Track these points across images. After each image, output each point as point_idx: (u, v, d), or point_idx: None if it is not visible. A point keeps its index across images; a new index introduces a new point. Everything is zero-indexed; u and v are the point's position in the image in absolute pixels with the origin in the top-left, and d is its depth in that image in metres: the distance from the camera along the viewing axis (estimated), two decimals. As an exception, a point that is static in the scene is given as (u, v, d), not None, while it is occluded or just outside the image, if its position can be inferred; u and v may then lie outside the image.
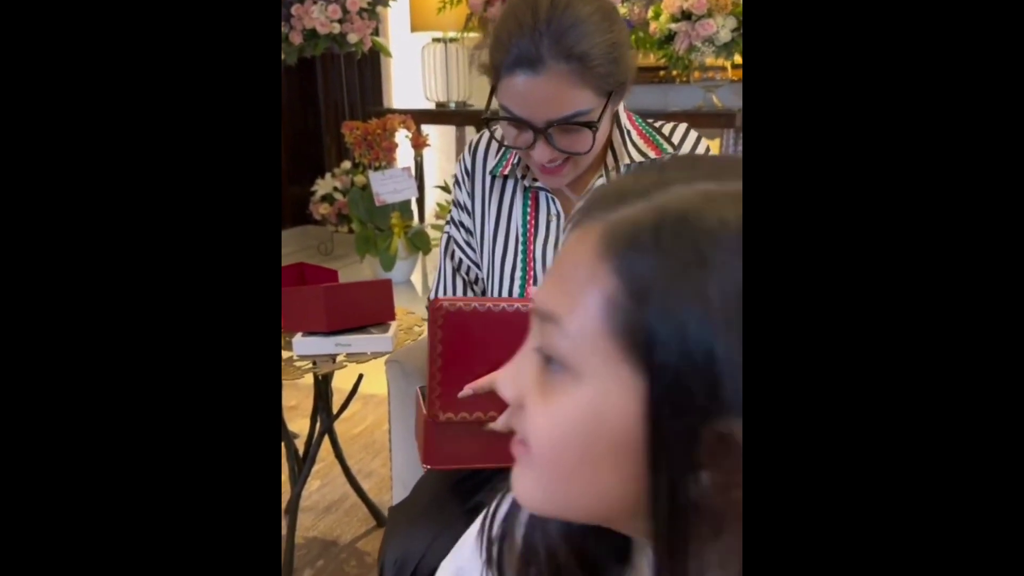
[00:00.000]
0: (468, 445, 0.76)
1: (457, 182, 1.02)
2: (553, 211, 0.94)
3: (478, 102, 3.80)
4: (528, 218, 0.95)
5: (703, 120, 3.11)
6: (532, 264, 0.94)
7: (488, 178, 0.98)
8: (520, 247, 0.95)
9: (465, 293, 1.02)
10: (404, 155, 3.41)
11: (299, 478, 1.42)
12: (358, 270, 3.58)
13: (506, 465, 0.84)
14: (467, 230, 1.01)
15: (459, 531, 0.85)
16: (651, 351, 0.33)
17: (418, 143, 3.32)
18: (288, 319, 1.31)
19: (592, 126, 0.82)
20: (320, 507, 1.64)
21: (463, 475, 0.91)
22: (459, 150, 3.67)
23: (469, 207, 1.00)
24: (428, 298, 1.04)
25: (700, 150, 0.94)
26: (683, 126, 0.96)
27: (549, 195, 0.94)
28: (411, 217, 3.40)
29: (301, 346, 1.26)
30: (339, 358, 1.26)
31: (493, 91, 0.86)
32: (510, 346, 0.74)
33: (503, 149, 0.97)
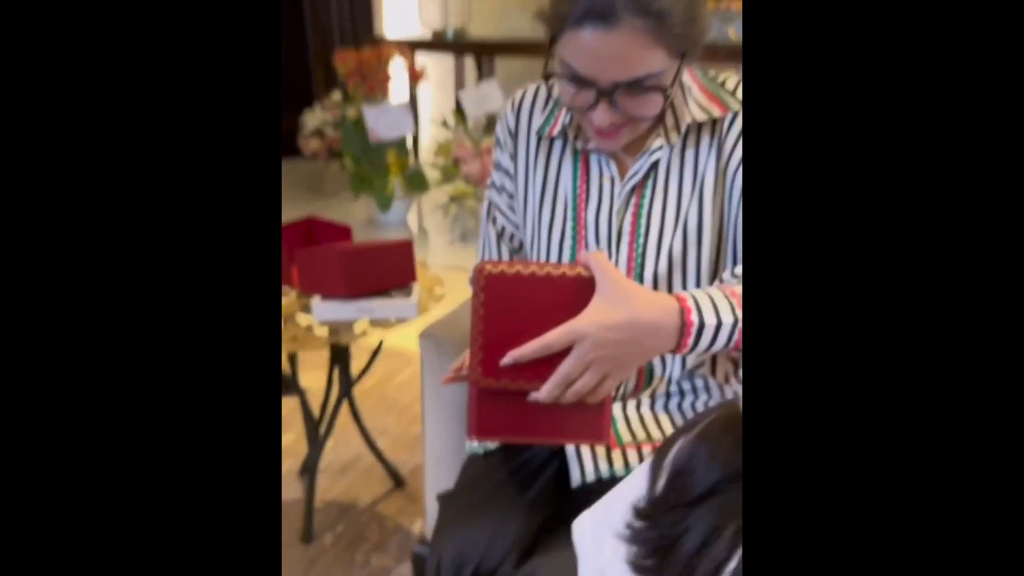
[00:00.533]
0: (515, 417, 0.71)
1: (499, 143, 0.93)
2: (607, 174, 0.85)
3: (477, 30, 3.60)
4: (579, 182, 0.87)
5: (719, 56, 2.97)
6: (583, 232, 0.86)
7: (534, 139, 0.89)
8: (571, 213, 0.87)
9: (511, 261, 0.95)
10: (398, 90, 3.26)
11: (317, 440, 1.37)
12: (350, 209, 3.46)
13: (554, 442, 0.78)
14: (509, 194, 0.92)
15: (521, 526, 0.81)
16: None
17: (415, 75, 3.16)
18: (304, 282, 1.23)
19: (665, 91, 0.74)
20: (335, 467, 1.60)
21: (517, 462, 0.86)
22: (458, 83, 3.50)
23: (511, 170, 0.91)
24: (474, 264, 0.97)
25: None
26: None
27: (603, 157, 0.85)
28: (407, 155, 3.27)
29: (321, 311, 1.18)
30: (360, 325, 1.19)
31: (552, 43, 0.77)
32: (555, 313, 0.68)
33: (551, 105, 0.88)
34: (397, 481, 1.54)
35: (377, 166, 3.20)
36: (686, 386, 0.88)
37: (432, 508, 1.03)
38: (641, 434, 0.84)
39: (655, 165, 0.83)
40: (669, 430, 0.84)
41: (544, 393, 0.68)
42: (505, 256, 0.94)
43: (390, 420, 1.78)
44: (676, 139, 0.82)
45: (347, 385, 1.37)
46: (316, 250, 1.22)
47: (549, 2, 0.76)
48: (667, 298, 0.71)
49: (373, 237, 3.27)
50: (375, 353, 1.39)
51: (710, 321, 0.71)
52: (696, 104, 0.83)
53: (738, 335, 0.73)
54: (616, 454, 0.82)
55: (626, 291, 0.68)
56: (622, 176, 0.84)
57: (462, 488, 0.86)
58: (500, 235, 0.94)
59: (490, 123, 3.06)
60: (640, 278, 0.83)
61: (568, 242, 0.87)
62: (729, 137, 0.82)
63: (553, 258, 0.88)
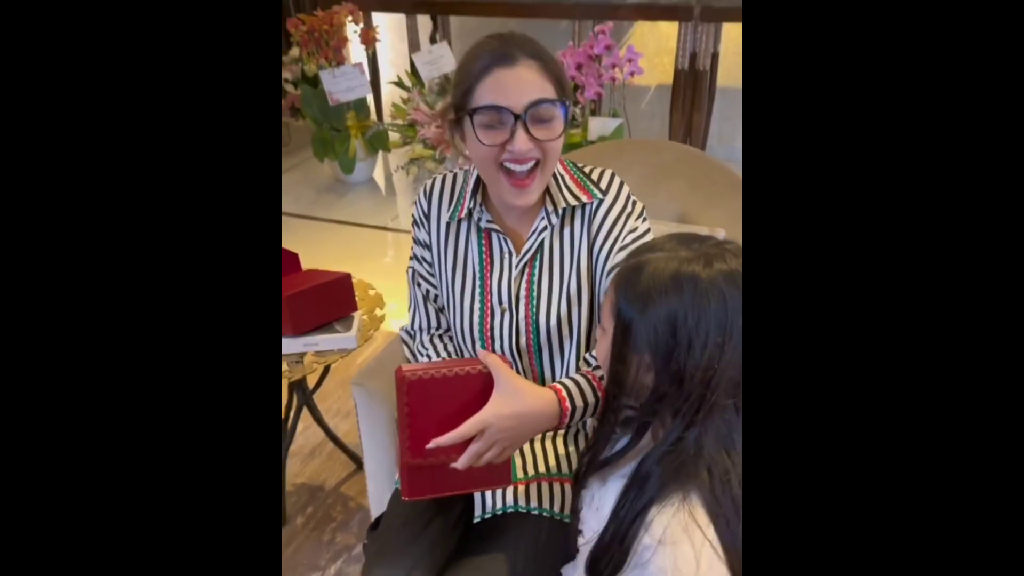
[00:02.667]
0: (437, 479, 0.92)
1: (416, 223, 1.10)
2: (506, 249, 1.04)
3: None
4: (484, 256, 1.06)
5: (659, 12, 3.01)
6: (489, 297, 1.05)
7: (444, 222, 1.07)
8: (478, 282, 1.06)
9: (437, 319, 1.14)
10: (355, 50, 3.29)
11: (284, 441, 1.59)
12: (317, 168, 3.56)
13: (469, 491, 0.99)
14: (429, 264, 1.11)
15: (435, 556, 1.02)
16: (618, 322, 0.75)
17: (368, 39, 3.19)
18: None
19: (565, 103, 0.93)
20: (305, 452, 1.83)
21: (431, 501, 1.07)
22: (411, 42, 3.53)
23: (429, 245, 1.09)
24: (407, 332, 1.16)
25: (623, 193, 1.03)
26: (609, 172, 1.05)
27: (501, 235, 1.04)
28: (368, 116, 3.34)
29: (272, 348, 1.37)
30: (307, 358, 1.38)
31: (458, 117, 0.96)
32: (463, 403, 0.89)
33: (456, 196, 1.05)
34: (358, 464, 1.78)
35: (338, 128, 3.29)
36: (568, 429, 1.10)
37: (378, 511, 1.26)
38: (532, 470, 1.05)
39: (542, 243, 1.02)
40: (554, 464, 1.06)
41: (461, 464, 0.88)
42: (433, 314, 1.13)
43: (351, 403, 2.00)
44: (555, 220, 1.01)
45: (304, 398, 1.57)
46: (264, 292, 1.39)
47: (455, 86, 0.95)
48: (547, 392, 0.91)
49: (341, 196, 3.39)
50: (323, 375, 1.59)
51: (579, 404, 0.92)
52: (569, 192, 1.01)
53: (601, 407, 0.93)
54: (510, 491, 1.03)
55: (517, 388, 0.88)
56: (517, 250, 1.03)
57: (386, 523, 1.07)
58: (426, 297, 1.13)
59: (443, 86, 3.12)
60: (536, 332, 1.03)
61: (477, 305, 1.06)
62: (595, 219, 1.01)
63: (466, 318, 1.07)
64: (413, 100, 3.13)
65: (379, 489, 1.26)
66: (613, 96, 2.86)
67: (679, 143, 1.60)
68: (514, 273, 1.04)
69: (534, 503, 1.01)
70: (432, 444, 0.87)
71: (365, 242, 3.01)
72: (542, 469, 1.05)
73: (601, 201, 1.01)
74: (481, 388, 0.87)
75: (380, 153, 3.45)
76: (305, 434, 1.86)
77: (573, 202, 1.01)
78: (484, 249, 1.06)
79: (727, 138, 3.42)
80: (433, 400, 0.87)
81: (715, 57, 3.09)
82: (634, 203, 1.03)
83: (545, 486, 1.03)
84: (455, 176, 1.07)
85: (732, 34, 3.25)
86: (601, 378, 0.92)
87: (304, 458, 1.81)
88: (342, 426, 1.89)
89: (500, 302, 1.05)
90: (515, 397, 0.88)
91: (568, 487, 1.03)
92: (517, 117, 0.91)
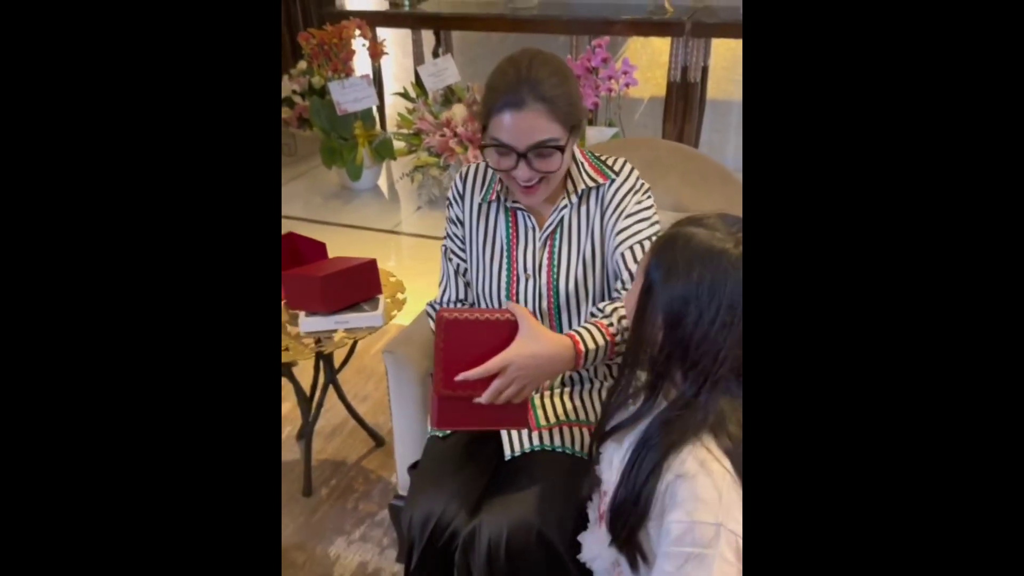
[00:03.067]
0: (464, 413, 1.04)
1: (450, 202, 1.26)
2: (530, 225, 1.20)
3: (433, 3, 3.76)
4: (511, 232, 1.21)
5: (652, 28, 3.19)
6: (516, 266, 1.21)
7: (477, 202, 1.22)
8: (505, 253, 1.21)
9: (465, 291, 1.28)
10: (361, 62, 3.44)
11: (309, 414, 1.72)
12: (324, 175, 3.71)
13: (491, 428, 1.13)
14: (460, 240, 1.26)
15: (470, 490, 1.16)
16: (645, 279, 0.84)
17: (375, 52, 3.35)
18: (291, 300, 1.54)
19: (561, 149, 1.08)
20: (327, 431, 1.96)
21: (464, 442, 1.20)
22: (416, 55, 3.69)
23: (462, 221, 1.25)
24: (432, 306, 1.30)
25: (633, 174, 1.19)
26: (622, 159, 1.21)
27: (526, 213, 1.19)
28: (374, 125, 3.49)
29: (306, 325, 1.51)
30: (337, 335, 1.52)
31: (484, 129, 1.11)
32: (490, 345, 1.05)
33: (487, 181, 1.21)
34: (377, 441, 1.91)
35: (346, 137, 3.43)
36: (585, 374, 1.24)
37: (403, 474, 1.39)
38: (553, 418, 1.20)
39: (562, 220, 1.18)
40: (572, 412, 1.20)
41: (484, 398, 1.01)
42: (462, 287, 1.28)
43: (369, 386, 2.13)
44: (575, 200, 1.17)
45: (331, 375, 1.71)
46: (300, 275, 1.53)
47: (480, 104, 1.12)
48: (564, 338, 1.04)
49: (347, 202, 3.54)
50: (351, 351, 1.73)
51: (592, 347, 1.05)
52: (586, 175, 1.18)
53: (610, 350, 1.07)
54: (535, 435, 1.17)
55: (538, 333, 1.02)
56: (540, 226, 1.19)
57: (425, 463, 1.21)
58: (456, 271, 1.28)
59: (447, 97, 3.28)
60: (556, 295, 1.18)
61: (504, 273, 1.21)
62: (607, 196, 1.17)
63: (494, 286, 1.22)
64: (418, 110, 3.29)
65: (407, 450, 1.39)
66: (609, 107, 3.03)
67: (671, 141, 1.76)
68: (537, 245, 1.19)
69: (557, 442, 1.15)
70: (461, 377, 1.00)
71: (371, 246, 3.15)
72: (562, 416, 1.19)
73: (614, 181, 1.17)
74: (508, 334, 1.01)
75: (385, 161, 3.60)
76: (327, 415, 1.99)
77: (591, 184, 1.17)
78: (511, 225, 1.21)
79: (716, 147, 3.59)
80: (465, 339, 1.00)
81: (705, 70, 3.26)
82: (642, 184, 1.18)
83: (567, 430, 1.17)
84: (487, 165, 1.23)
85: (720, 49, 3.44)
86: (610, 325, 1.06)
87: (327, 436, 1.94)
88: (361, 408, 2.02)
89: (525, 270, 1.20)
90: (536, 340, 1.00)
91: (587, 432, 1.17)
92: (520, 155, 1.07)
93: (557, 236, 1.19)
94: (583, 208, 1.19)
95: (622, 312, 1.07)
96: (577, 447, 1.16)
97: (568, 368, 1.05)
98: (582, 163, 1.20)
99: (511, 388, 1.01)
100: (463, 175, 1.26)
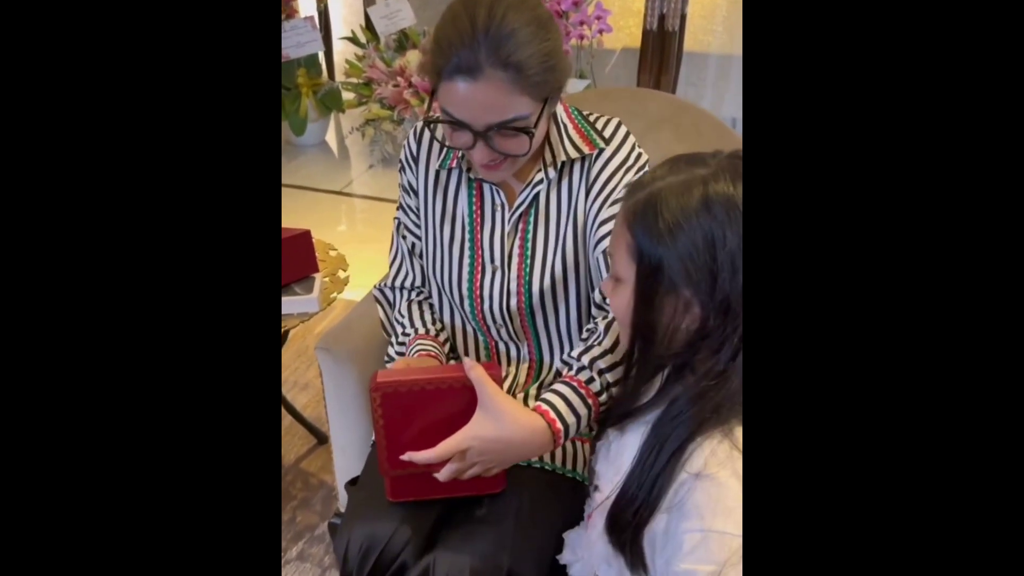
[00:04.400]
0: (422, 485, 0.85)
1: (402, 166, 1.00)
2: (498, 202, 0.95)
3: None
4: (474, 208, 0.95)
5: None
6: (480, 252, 0.96)
7: (434, 168, 0.96)
8: (468, 235, 0.96)
9: (423, 276, 1.04)
10: (305, 2, 3.10)
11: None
12: (267, 129, 3.37)
13: (459, 495, 0.90)
14: (415, 212, 1.00)
15: (422, 520, 0.92)
16: (641, 264, 0.67)
17: (320, -9, 3.00)
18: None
19: (528, 131, 0.82)
20: (260, 426, 1.70)
21: None
22: (366, -5, 3.34)
23: (416, 190, 0.99)
24: (381, 290, 1.05)
25: (628, 143, 0.94)
26: (615, 120, 0.96)
27: (494, 187, 0.94)
28: (319, 74, 3.16)
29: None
30: (266, 322, 1.25)
31: (433, 93, 0.84)
32: (443, 418, 0.78)
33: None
34: (319, 438, 1.66)
35: (289, 87, 3.10)
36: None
37: (343, 490, 1.15)
38: None
39: (536, 197, 0.92)
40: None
41: (442, 478, 0.80)
42: (418, 271, 1.03)
43: (311, 373, 1.88)
44: (553, 174, 0.91)
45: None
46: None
47: (428, 57, 0.83)
48: (534, 418, 0.80)
49: (291, 160, 3.21)
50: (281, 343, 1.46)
51: (571, 421, 0.82)
52: (570, 142, 0.92)
53: (594, 416, 0.84)
54: None
55: (501, 410, 0.78)
56: (510, 203, 0.93)
57: (367, 478, 0.97)
58: (411, 250, 1.02)
59: (401, 42, 2.97)
60: (528, 293, 0.93)
61: (467, 261, 0.96)
62: (593, 169, 0.91)
63: (455, 274, 0.97)
64: (369, 57, 2.97)
65: (348, 463, 1.15)
66: (581, 56, 2.76)
67: (664, 92, 1.51)
68: (507, 228, 0.93)
69: (548, 460, 0.93)
70: (407, 457, 0.80)
71: (317, 209, 2.86)
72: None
73: (602, 151, 0.91)
74: (463, 402, 0.78)
75: (333, 114, 3.28)
76: (260, 407, 1.74)
77: (574, 154, 0.91)
78: (475, 201, 0.95)
79: (692, 102, 3.36)
80: (409, 410, 0.79)
81: (683, 19, 3.01)
82: (638, 156, 0.93)
83: (567, 444, 0.94)
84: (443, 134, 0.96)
85: (699, -4, 3.18)
86: (590, 381, 0.83)
87: (259, 433, 1.69)
88: (300, 398, 1.77)
89: (492, 259, 0.95)
90: (499, 420, 0.78)
91: (573, 441, 0.94)
92: (477, 133, 0.81)
93: (531, 218, 0.94)
94: (563, 184, 0.92)
95: (598, 352, 0.83)
96: (559, 461, 0.93)
97: (544, 452, 0.82)
98: (565, 125, 0.93)
99: (475, 469, 0.80)
100: (416, 133, 0.98)
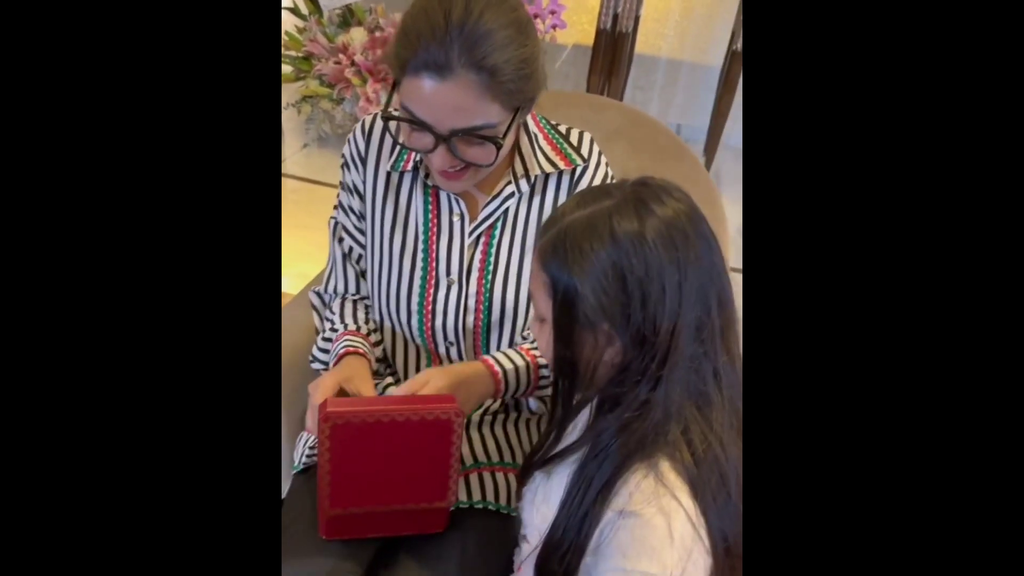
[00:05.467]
0: (362, 523, 0.79)
1: (346, 163, 0.91)
2: (457, 211, 0.88)
3: None
4: (430, 216, 0.88)
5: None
6: (434, 264, 0.89)
7: (384, 169, 0.89)
8: (422, 244, 0.89)
9: (357, 283, 0.96)
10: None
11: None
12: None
13: (397, 534, 0.83)
14: (357, 215, 0.92)
15: (364, 553, 0.85)
16: (556, 300, 0.67)
17: (261, -46, 2.82)
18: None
19: (496, 141, 0.76)
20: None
21: None
22: (311, -37, 3.16)
23: (361, 191, 0.90)
24: (319, 294, 0.97)
25: (603, 164, 0.90)
26: (587, 135, 0.92)
27: (453, 196, 0.87)
28: (255, 42, 2.98)
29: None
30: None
31: (395, 86, 0.78)
32: (398, 453, 0.72)
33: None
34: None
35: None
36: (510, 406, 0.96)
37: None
38: (470, 457, 0.90)
39: (506, 212, 0.86)
40: (495, 451, 0.92)
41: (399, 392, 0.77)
42: (352, 279, 0.94)
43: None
44: (526, 187, 0.85)
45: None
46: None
47: (392, 47, 0.76)
48: (475, 363, 0.84)
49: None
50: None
51: (508, 366, 0.83)
52: (543, 156, 0.86)
53: (534, 377, 0.84)
54: None
55: (447, 367, 0.81)
56: (472, 215, 0.87)
57: (296, 509, 0.89)
58: (347, 255, 0.94)
59: (345, 18, 2.83)
60: (488, 311, 0.87)
61: (419, 273, 0.89)
62: (574, 191, 0.86)
63: (404, 285, 0.89)
64: (310, 30, 2.82)
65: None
66: (531, 49, 2.70)
67: (623, 103, 1.47)
68: (467, 241, 0.87)
69: (477, 496, 0.86)
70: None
71: (247, 185, 2.71)
72: (483, 456, 0.90)
73: (583, 170, 0.87)
74: (426, 439, 0.72)
75: (268, 87, 3.11)
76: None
77: (548, 169, 0.86)
78: (431, 208, 0.88)
79: (640, 105, 3.35)
80: (363, 447, 0.71)
81: (636, 20, 2.98)
82: (612, 179, 0.89)
83: (488, 477, 0.88)
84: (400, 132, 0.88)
85: (653, -1, 3.17)
86: (533, 348, 0.81)
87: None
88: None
89: (448, 272, 0.88)
90: (447, 369, 0.79)
91: (514, 477, 0.89)
92: (440, 137, 0.75)
93: (496, 232, 0.88)
94: (536, 200, 0.88)
95: None
96: (503, 499, 0.88)
97: (489, 394, 0.80)
98: (536, 135, 0.87)
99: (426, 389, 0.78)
100: (365, 128, 0.90)
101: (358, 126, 0.91)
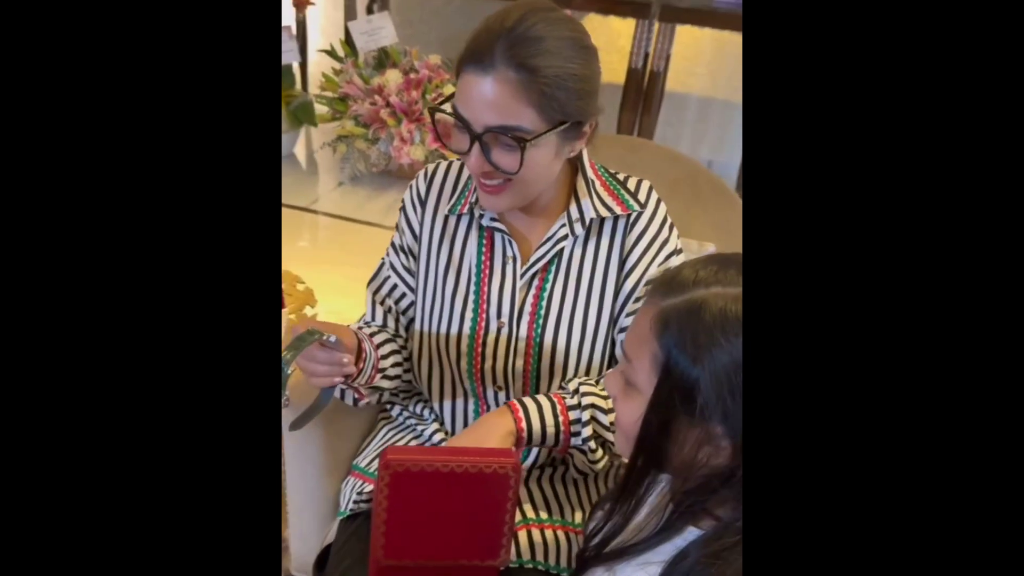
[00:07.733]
0: (415, 574, 0.76)
1: (404, 207, 0.93)
2: (510, 253, 0.89)
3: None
4: (483, 258, 0.89)
5: (615, 6, 2.90)
6: (485, 306, 0.89)
7: (443, 212, 0.90)
8: (473, 287, 0.89)
9: (386, 321, 0.96)
10: (284, 12, 3.00)
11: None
12: (233, 136, 3.25)
13: None
14: (409, 256, 0.93)
15: None
16: (665, 381, 0.60)
17: (301, 1, 2.91)
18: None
19: (522, 143, 0.76)
20: None
21: None
22: (348, 8, 3.26)
23: (416, 233, 0.92)
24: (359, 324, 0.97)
25: (660, 211, 0.90)
26: (646, 183, 0.92)
27: (506, 236, 0.87)
28: (293, 84, 3.06)
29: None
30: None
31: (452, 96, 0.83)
32: (453, 504, 0.71)
33: (461, 187, 0.90)
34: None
35: (259, 95, 2.99)
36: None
37: (298, 555, 1.05)
38: (532, 512, 0.89)
39: (560, 255, 0.87)
40: (556, 508, 0.89)
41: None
42: (379, 317, 0.95)
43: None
44: (580, 231, 0.85)
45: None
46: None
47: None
48: (502, 409, 0.83)
49: (256, 170, 3.10)
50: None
51: (536, 424, 0.81)
52: (599, 199, 0.86)
53: (564, 437, 0.82)
54: None
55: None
56: (524, 257, 0.87)
57: (339, 563, 0.88)
58: (389, 294, 0.96)
59: (381, 60, 2.89)
60: (538, 355, 0.87)
61: (470, 313, 0.89)
62: (631, 235, 0.86)
63: (455, 325, 0.90)
64: (346, 72, 2.88)
65: (306, 530, 1.05)
66: (563, 89, 2.73)
67: (682, 154, 1.47)
68: (519, 283, 0.87)
69: (527, 555, 0.85)
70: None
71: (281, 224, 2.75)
72: (530, 514, 0.89)
73: (639, 215, 0.87)
74: (488, 491, 0.71)
75: (304, 127, 3.17)
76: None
77: (604, 213, 0.87)
78: (484, 250, 0.89)
79: (670, 143, 3.36)
80: (422, 496, 0.71)
81: (667, 59, 3.00)
82: (671, 227, 0.88)
83: (537, 533, 0.86)
84: (462, 165, 0.93)
85: (684, 37, 3.18)
86: (572, 408, 0.79)
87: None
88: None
89: (499, 315, 0.89)
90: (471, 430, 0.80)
91: (575, 536, 0.87)
92: (475, 135, 0.77)
93: (550, 275, 0.88)
94: (591, 244, 0.88)
95: (592, 388, 0.78)
96: (551, 558, 0.86)
97: (507, 426, 0.79)
98: (592, 181, 0.89)
99: None
100: (427, 173, 0.93)
101: (421, 172, 0.95)
